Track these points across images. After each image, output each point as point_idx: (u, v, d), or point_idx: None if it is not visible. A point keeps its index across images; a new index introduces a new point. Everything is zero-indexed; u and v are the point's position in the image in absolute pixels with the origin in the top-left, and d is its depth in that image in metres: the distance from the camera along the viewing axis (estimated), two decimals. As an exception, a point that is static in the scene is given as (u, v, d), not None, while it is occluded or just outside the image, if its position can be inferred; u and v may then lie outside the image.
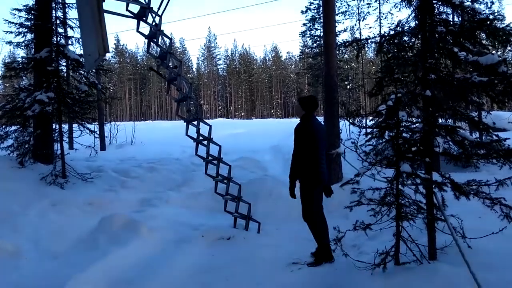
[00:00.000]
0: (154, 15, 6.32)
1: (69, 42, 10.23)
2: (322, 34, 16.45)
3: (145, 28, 6.51)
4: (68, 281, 4.10)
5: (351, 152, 4.01)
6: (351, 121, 4.11)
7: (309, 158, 4.63)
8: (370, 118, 4.31)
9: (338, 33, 25.19)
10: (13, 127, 8.67)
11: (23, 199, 6.63)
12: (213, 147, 6.40)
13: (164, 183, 8.84)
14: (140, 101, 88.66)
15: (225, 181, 6.42)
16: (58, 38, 9.12)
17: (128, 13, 6.08)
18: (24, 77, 11.51)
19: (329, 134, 6.76)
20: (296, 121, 5.08)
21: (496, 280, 3.32)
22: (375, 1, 26.03)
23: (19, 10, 10.96)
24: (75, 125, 9.36)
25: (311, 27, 30.33)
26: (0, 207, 6.20)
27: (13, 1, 24.19)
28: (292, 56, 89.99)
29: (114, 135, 22.09)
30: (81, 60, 8.71)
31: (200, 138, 6.39)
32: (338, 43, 9.28)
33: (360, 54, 5.67)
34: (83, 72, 9.36)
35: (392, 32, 4.51)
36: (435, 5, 4.21)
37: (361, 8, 27.79)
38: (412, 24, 4.43)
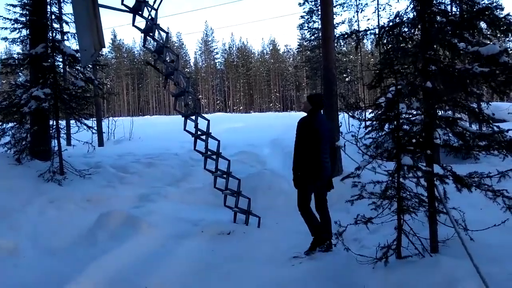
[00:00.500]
0: (150, 9, 6.26)
1: (65, 37, 10.19)
2: (320, 26, 16.36)
3: (141, 23, 6.45)
4: (67, 278, 4.07)
5: (351, 145, 3.97)
6: (350, 114, 4.09)
7: (309, 152, 4.64)
8: (370, 110, 4.27)
9: (336, 25, 25.06)
10: (10, 124, 8.61)
11: (21, 197, 6.57)
12: (211, 141, 6.37)
13: (162, 179, 8.82)
14: (137, 96, 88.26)
15: (224, 175, 6.40)
16: (54, 34, 9.07)
17: (123, 7, 6.03)
18: (20, 74, 11.44)
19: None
20: (295, 114, 5.06)
21: (499, 272, 3.28)
22: (373, -7, 25.93)
23: (14, 6, 10.88)
24: (72, 121, 9.29)
25: (309, 19, 30.29)
26: (-2, 205, 6.14)
27: (7, -3, 23.96)
28: (290, 49, 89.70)
29: (112, 130, 22.07)
30: (77, 55, 8.62)
31: (199, 132, 6.36)
32: (337, 35, 9.22)
33: (359, 46, 5.61)
34: (79, 68, 9.28)
35: (391, 23, 4.45)
36: (433, -5, 4.16)
37: (359, 0, 27.68)
38: (411, 15, 4.38)
